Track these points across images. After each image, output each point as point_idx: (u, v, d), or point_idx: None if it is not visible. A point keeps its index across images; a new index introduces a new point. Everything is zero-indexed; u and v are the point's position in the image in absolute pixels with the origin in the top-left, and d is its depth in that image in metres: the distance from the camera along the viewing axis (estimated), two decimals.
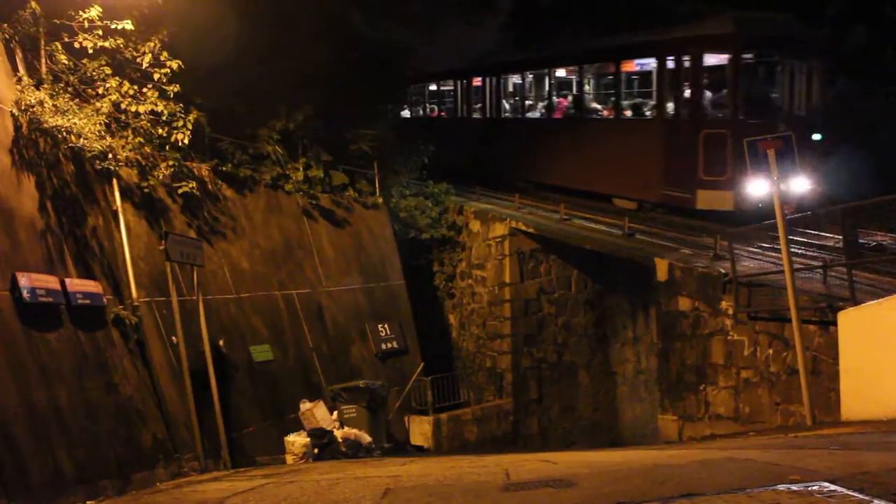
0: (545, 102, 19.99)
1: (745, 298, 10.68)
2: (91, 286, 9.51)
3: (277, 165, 15.08)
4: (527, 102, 20.91)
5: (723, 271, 11.19)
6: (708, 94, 14.95)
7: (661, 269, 12.28)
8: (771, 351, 10.32)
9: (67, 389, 8.35)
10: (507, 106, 21.72)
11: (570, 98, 19.39)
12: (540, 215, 17.36)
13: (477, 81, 23.15)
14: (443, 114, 25.63)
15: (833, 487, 3.40)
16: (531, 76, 21.10)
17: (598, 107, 18.31)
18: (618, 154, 16.68)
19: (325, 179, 15.94)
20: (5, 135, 8.94)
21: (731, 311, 10.95)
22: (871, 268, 10.15)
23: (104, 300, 9.75)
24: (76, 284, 9.15)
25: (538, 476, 4.89)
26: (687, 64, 14.92)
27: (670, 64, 15.32)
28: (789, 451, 5.38)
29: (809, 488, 3.41)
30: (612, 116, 17.26)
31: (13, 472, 7.07)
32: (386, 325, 15.69)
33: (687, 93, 15.05)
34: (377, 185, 17.30)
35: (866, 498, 3.19)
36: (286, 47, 15.62)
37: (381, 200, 17.15)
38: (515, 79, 21.81)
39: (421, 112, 27.19)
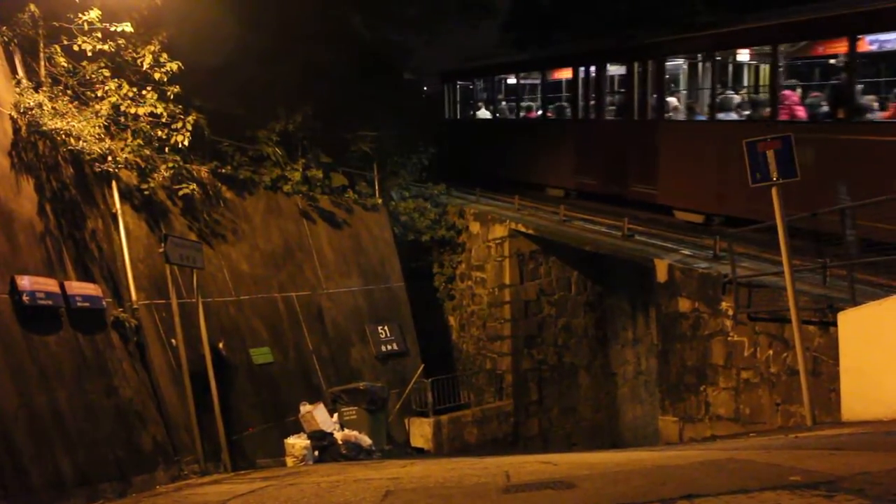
0: (757, 97, 13.63)
1: (745, 299, 10.68)
2: (90, 289, 9.51)
3: (277, 167, 15.09)
4: (717, 98, 13.76)
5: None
6: None
7: (661, 270, 12.27)
8: (771, 352, 10.31)
9: (67, 392, 8.34)
10: (675, 102, 15.22)
11: (798, 90, 12.68)
12: (540, 217, 17.34)
13: (616, 69, 16.99)
14: (549, 114, 19.24)
15: (834, 488, 3.39)
16: (724, 59, 14.22)
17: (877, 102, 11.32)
18: None
19: (324, 181, 15.96)
20: (4, 138, 8.95)
21: (731, 312, 10.94)
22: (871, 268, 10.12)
23: (104, 303, 9.75)
24: (76, 287, 9.15)
25: (539, 478, 4.88)
26: None
27: None
28: (790, 452, 5.37)
29: (810, 489, 3.40)
30: None
31: (13, 474, 7.06)
32: (386, 327, 15.69)
33: None
34: (377, 187, 17.32)
35: (867, 500, 3.18)
36: (285, 49, 15.64)
37: (380, 202, 17.16)
38: (687, 63, 15.13)
39: (509, 112, 20.97)
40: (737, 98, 14.03)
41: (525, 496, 4.19)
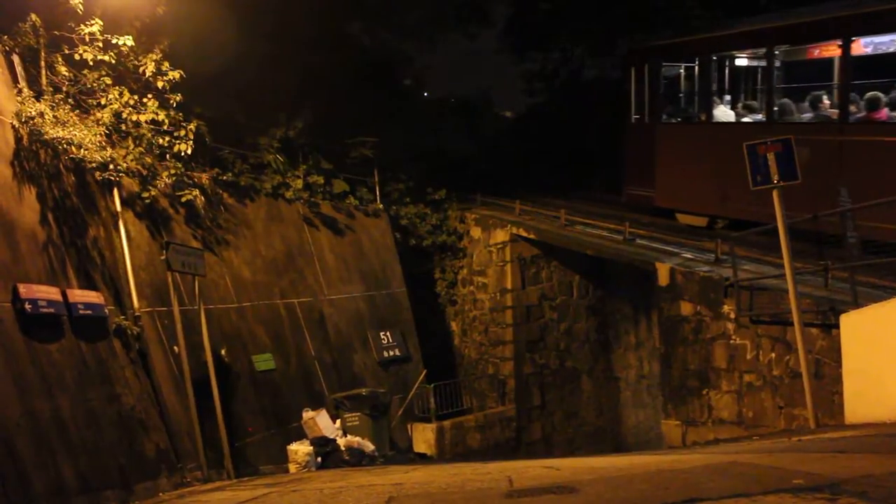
0: None
1: (746, 302, 10.67)
2: (92, 297, 9.52)
3: (278, 174, 15.12)
4: None
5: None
6: None
7: (663, 273, 12.27)
8: (773, 354, 10.30)
9: (69, 400, 8.35)
10: None
11: None
12: (541, 221, 17.34)
13: None
14: None
15: (837, 491, 3.39)
16: None
17: None
18: None
19: (325, 187, 15.99)
20: (6, 147, 8.97)
21: (733, 315, 10.93)
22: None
23: (106, 310, 9.76)
24: (78, 295, 9.16)
25: (541, 483, 4.88)
26: None
27: None
28: (793, 455, 5.37)
29: (813, 493, 3.40)
30: None
31: (15, 481, 7.06)
32: (388, 333, 15.69)
33: None
34: (378, 193, 17.33)
35: (870, 502, 3.18)
36: (285, 55, 15.69)
37: (381, 207, 17.17)
38: None
39: (811, 111, 12.08)
40: None
41: (528, 501, 4.19)
